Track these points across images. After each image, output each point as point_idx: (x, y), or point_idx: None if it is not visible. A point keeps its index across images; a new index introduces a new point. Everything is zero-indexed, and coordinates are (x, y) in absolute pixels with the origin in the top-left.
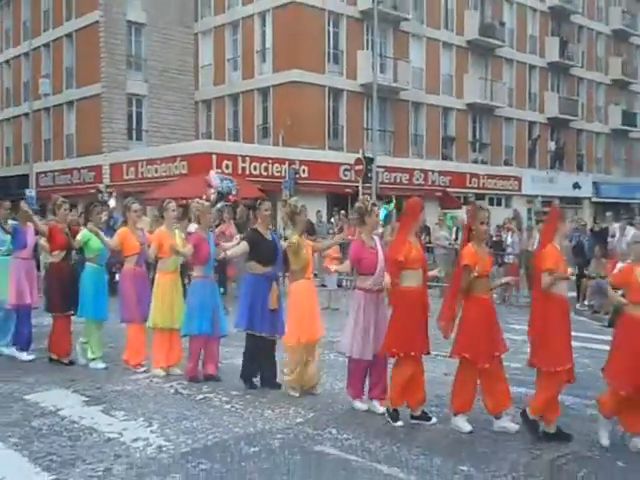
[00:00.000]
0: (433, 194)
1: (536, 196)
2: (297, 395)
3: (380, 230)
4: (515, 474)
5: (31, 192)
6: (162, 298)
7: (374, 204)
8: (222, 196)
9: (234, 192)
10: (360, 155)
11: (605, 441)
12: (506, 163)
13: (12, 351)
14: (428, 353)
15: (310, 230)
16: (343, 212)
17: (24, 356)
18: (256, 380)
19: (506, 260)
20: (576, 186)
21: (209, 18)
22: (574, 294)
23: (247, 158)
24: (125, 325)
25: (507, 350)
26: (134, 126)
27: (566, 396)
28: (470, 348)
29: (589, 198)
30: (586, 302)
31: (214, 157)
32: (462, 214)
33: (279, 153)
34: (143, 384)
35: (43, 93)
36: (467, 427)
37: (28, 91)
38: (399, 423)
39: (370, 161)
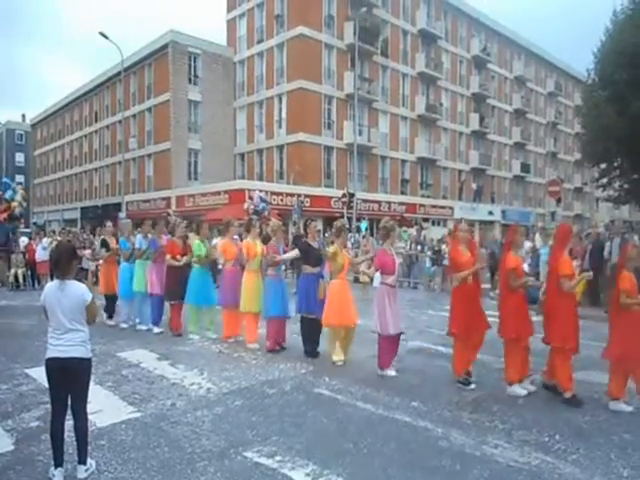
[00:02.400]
0: (395, 218)
1: (463, 219)
2: (341, 363)
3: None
4: (450, 407)
5: (122, 214)
6: (248, 289)
7: (395, 224)
8: (258, 213)
9: (266, 212)
10: (345, 191)
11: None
12: (443, 197)
13: (148, 326)
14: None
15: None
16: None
17: (156, 329)
18: (317, 350)
19: (444, 263)
20: (490, 213)
21: (244, 98)
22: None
23: (268, 192)
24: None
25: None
26: (192, 170)
27: (483, 355)
28: (517, 330)
29: (499, 221)
30: (497, 291)
31: (246, 192)
32: (413, 231)
33: (290, 189)
34: (197, 346)
35: (131, 148)
36: (523, 392)
37: (121, 146)
38: (472, 386)
39: (352, 195)
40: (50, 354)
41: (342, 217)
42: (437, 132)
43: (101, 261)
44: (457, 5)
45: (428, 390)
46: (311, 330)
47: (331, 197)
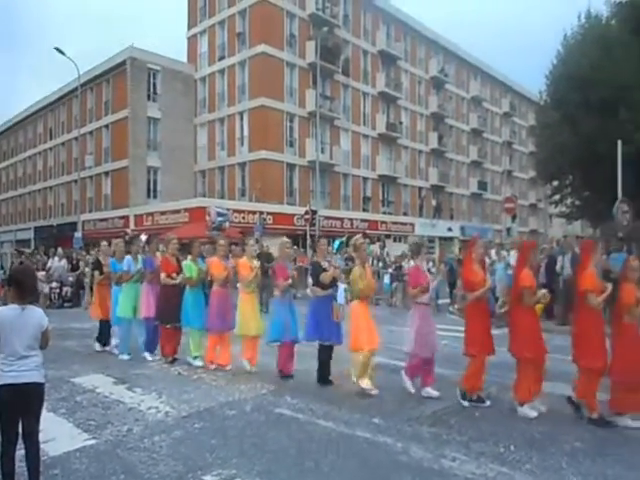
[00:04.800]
0: (356, 234)
1: (423, 236)
2: (369, 388)
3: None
4: (409, 422)
5: (78, 234)
6: (244, 312)
7: (424, 242)
8: (218, 228)
9: (227, 225)
10: (308, 208)
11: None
12: (404, 214)
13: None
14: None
15: (269, 259)
16: (296, 247)
17: (149, 357)
18: (330, 378)
19: (405, 279)
20: (449, 229)
21: (205, 115)
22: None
23: (230, 210)
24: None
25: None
26: (152, 188)
27: (443, 369)
28: (534, 349)
29: (457, 237)
30: (455, 306)
31: (207, 210)
32: (375, 247)
33: (252, 207)
34: (155, 369)
35: (88, 166)
36: (533, 413)
37: (77, 164)
38: (487, 403)
39: (314, 212)
40: (2, 381)
41: (304, 234)
42: (398, 150)
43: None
44: (416, 27)
45: (389, 406)
46: (327, 358)
47: (294, 214)
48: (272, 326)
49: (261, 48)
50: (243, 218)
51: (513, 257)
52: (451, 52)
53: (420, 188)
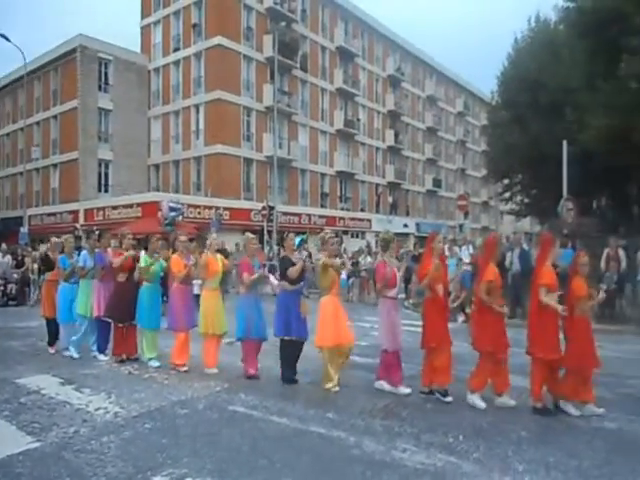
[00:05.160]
0: (315, 231)
1: (380, 232)
2: (337, 390)
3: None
4: (363, 415)
5: (24, 229)
6: (207, 310)
7: (393, 237)
8: (172, 224)
9: (180, 219)
10: (265, 204)
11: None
12: (362, 210)
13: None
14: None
15: (225, 255)
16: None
17: (102, 357)
18: (295, 376)
19: (362, 275)
20: (405, 226)
21: (158, 107)
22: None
23: (185, 205)
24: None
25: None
26: (103, 182)
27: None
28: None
29: (413, 233)
30: (410, 300)
31: (161, 204)
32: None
33: (208, 202)
34: (105, 368)
35: (34, 157)
36: (482, 404)
37: (23, 156)
38: (449, 399)
39: (272, 208)
40: None
41: (262, 230)
42: (355, 147)
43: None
44: (373, 25)
45: (343, 400)
46: (292, 354)
47: (251, 210)
48: (236, 323)
49: (217, 40)
50: (199, 213)
51: (465, 253)
52: (407, 51)
53: (377, 185)
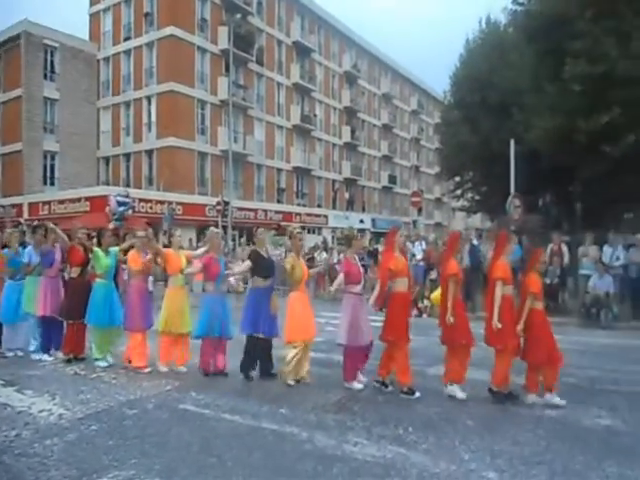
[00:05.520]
0: (271, 226)
1: (336, 228)
2: (293, 384)
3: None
4: (315, 410)
5: None
6: (170, 308)
7: (359, 232)
8: (120, 219)
9: (130, 212)
10: (220, 199)
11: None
12: (318, 206)
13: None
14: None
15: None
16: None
17: (46, 357)
18: (252, 373)
19: (319, 270)
20: (361, 221)
21: (108, 98)
22: None
23: (136, 199)
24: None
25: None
26: (48, 174)
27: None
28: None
29: (369, 229)
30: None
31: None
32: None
33: (160, 196)
34: (49, 369)
35: None
36: (462, 394)
37: None
38: (417, 395)
39: (227, 203)
40: None
41: (216, 226)
42: (312, 142)
43: None
44: (330, 21)
45: (296, 396)
46: (260, 351)
47: (205, 205)
48: (199, 321)
49: (170, 30)
50: (150, 208)
51: (418, 249)
52: (363, 48)
53: (334, 181)
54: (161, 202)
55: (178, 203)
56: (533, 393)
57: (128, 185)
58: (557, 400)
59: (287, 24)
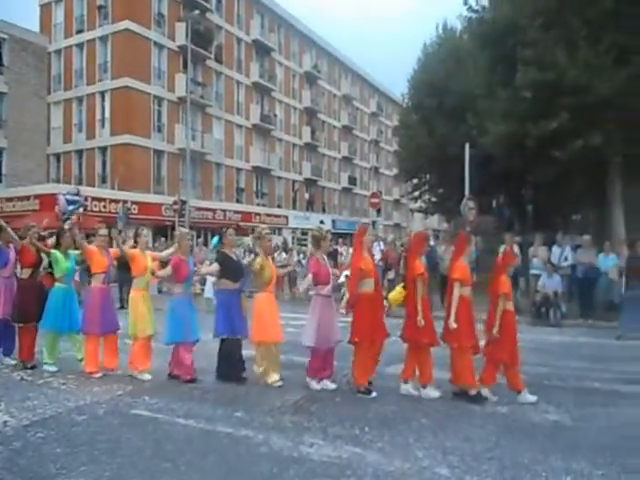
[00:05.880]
0: (230, 226)
1: (296, 229)
2: (274, 382)
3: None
4: (272, 412)
5: None
6: (137, 311)
7: (324, 234)
8: (67, 218)
9: (81, 211)
10: (177, 198)
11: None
12: (278, 206)
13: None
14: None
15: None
16: (164, 239)
17: (8, 360)
18: (230, 373)
19: (288, 271)
20: (321, 222)
21: (60, 92)
22: None
23: (89, 198)
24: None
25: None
26: None
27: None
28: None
29: (329, 230)
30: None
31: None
32: (248, 239)
33: (114, 195)
34: None
35: None
36: (436, 393)
37: None
38: (373, 394)
39: (184, 203)
40: None
41: (174, 226)
42: (272, 142)
43: None
44: (290, 21)
45: (253, 398)
46: (234, 352)
47: (161, 204)
48: (171, 325)
49: (125, 24)
50: (104, 207)
51: (377, 249)
52: (324, 49)
53: (294, 181)
54: (115, 201)
55: (133, 202)
56: (487, 387)
57: (80, 183)
58: (530, 397)
59: (247, 22)
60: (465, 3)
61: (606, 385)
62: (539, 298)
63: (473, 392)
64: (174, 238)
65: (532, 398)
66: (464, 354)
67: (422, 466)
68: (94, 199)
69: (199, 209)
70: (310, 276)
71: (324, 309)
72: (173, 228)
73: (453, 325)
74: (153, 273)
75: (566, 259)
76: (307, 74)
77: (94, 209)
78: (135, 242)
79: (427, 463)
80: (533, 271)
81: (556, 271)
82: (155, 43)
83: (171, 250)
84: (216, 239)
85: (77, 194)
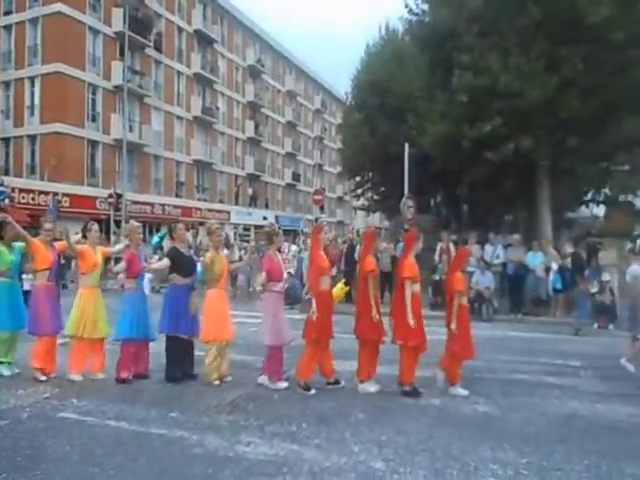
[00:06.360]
0: (169, 222)
1: (238, 224)
2: (217, 383)
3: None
4: (208, 412)
5: None
6: (84, 310)
7: (279, 228)
8: None
9: (6, 202)
10: (112, 191)
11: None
12: (220, 201)
13: None
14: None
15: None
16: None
17: None
18: (179, 375)
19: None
20: (264, 218)
21: None
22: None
23: (16, 189)
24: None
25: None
26: None
27: (244, 355)
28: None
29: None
30: None
31: None
32: (189, 235)
33: (44, 186)
34: None
35: None
36: (372, 388)
37: None
38: (312, 392)
39: (120, 196)
40: None
41: (108, 220)
42: (214, 135)
43: None
44: (233, 13)
45: (188, 398)
46: (180, 351)
47: (96, 197)
48: (121, 322)
49: (57, 7)
50: (33, 199)
51: None
52: (267, 44)
53: (236, 176)
54: (45, 193)
55: (65, 194)
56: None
57: (7, 173)
58: (461, 391)
59: (188, 11)
60: (406, 6)
61: (532, 377)
62: (472, 294)
63: (407, 388)
64: (121, 232)
65: (464, 392)
66: (412, 351)
67: (358, 460)
68: (22, 190)
69: (136, 202)
70: (264, 274)
71: (278, 306)
72: (108, 222)
73: (411, 322)
74: (110, 268)
75: (498, 257)
76: (251, 68)
77: (22, 201)
78: (84, 237)
79: (363, 457)
80: (467, 268)
81: (489, 268)
82: (90, 28)
83: (122, 245)
84: (156, 238)
85: (1, 184)
